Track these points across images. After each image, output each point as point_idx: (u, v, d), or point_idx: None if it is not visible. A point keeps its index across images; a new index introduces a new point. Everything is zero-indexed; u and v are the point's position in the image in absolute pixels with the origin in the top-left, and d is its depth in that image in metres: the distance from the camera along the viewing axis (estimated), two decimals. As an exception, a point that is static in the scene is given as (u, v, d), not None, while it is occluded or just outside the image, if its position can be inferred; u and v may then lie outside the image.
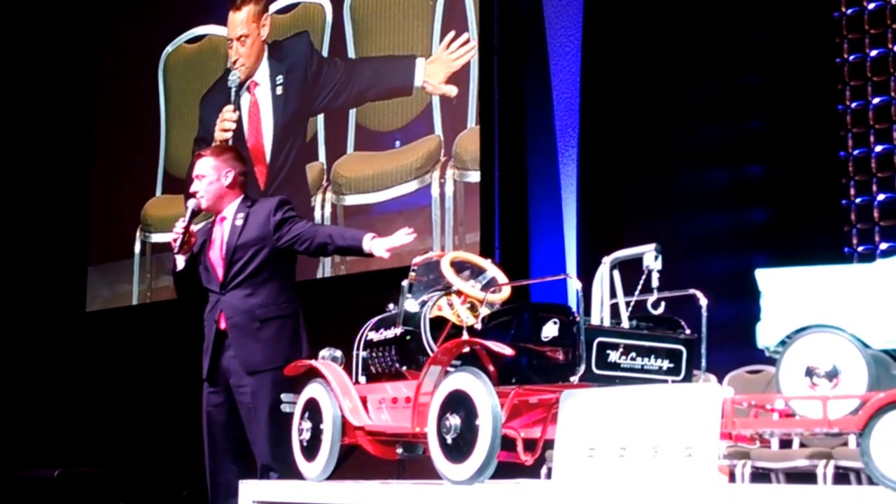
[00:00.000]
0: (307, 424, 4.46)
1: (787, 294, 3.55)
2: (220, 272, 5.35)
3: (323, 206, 9.50)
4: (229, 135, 10.12)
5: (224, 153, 5.60)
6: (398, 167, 9.07)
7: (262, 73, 10.06)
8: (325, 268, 9.59)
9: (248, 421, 5.15)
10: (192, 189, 5.48)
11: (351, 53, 9.60)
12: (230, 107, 10.25)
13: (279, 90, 10.00)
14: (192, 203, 5.39)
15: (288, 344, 5.22)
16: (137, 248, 11.14)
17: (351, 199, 9.37)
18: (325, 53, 9.75)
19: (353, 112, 9.44)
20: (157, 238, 10.96)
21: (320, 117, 9.71)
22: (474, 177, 8.47)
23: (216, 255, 5.40)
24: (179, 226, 5.31)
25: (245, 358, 5.18)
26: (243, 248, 5.32)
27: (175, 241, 5.31)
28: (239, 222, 5.41)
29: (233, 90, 10.26)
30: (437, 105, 8.91)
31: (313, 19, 9.97)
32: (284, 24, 10.19)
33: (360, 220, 9.08)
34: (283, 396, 4.63)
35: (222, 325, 5.27)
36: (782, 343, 3.52)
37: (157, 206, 11.07)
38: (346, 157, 9.45)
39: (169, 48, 11.13)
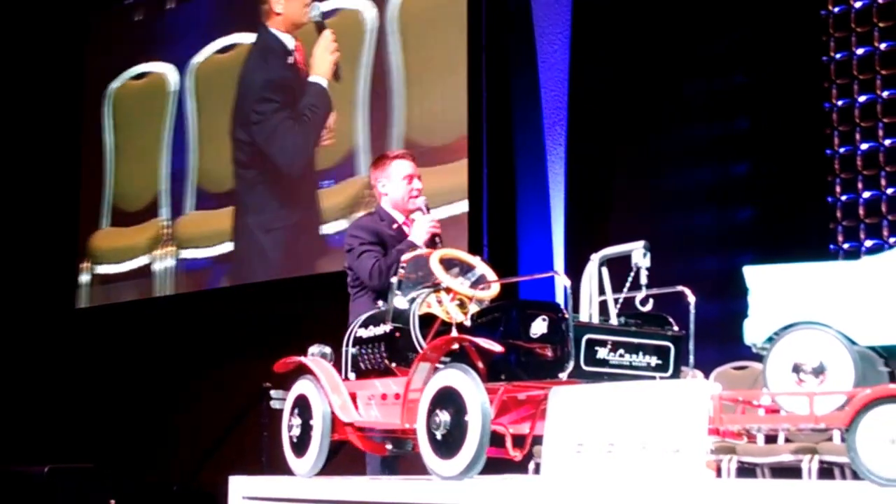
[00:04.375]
0: (297, 421, 4.47)
1: (774, 291, 3.57)
2: None
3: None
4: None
5: None
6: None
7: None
8: (314, 265, 9.64)
9: None
10: (417, 187, 5.47)
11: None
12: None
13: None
14: (424, 200, 5.44)
15: None
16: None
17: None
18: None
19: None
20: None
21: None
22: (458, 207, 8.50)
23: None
24: (433, 219, 5.36)
25: None
26: None
27: (433, 233, 5.32)
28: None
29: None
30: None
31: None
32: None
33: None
34: (273, 393, 4.64)
35: None
36: (769, 340, 3.54)
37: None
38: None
39: (196, 58, 10.99)
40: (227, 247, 10.34)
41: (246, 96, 10.35)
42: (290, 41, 10.07)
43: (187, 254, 10.60)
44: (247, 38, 10.48)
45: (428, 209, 5.41)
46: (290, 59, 10.03)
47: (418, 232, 5.29)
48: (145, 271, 10.88)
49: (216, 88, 10.62)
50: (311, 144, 9.80)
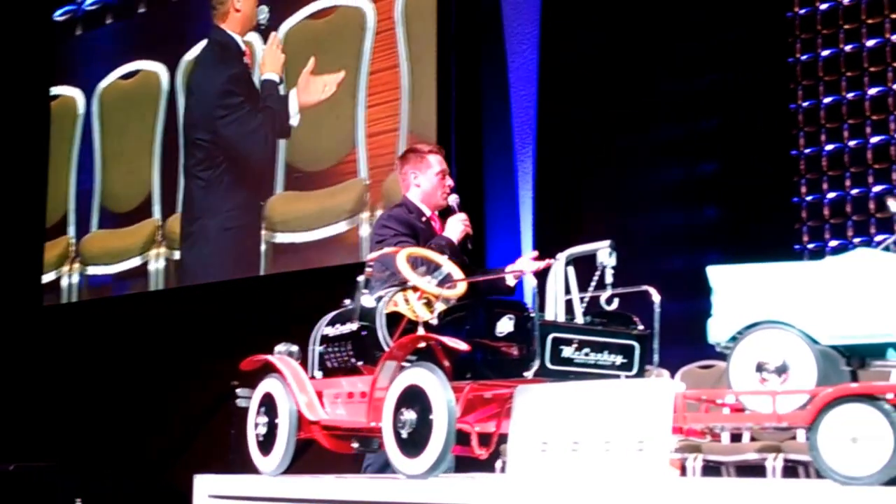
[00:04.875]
0: (263, 419, 4.46)
1: (737, 290, 3.60)
2: None
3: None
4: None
5: None
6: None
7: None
8: (281, 264, 9.64)
9: None
10: (449, 183, 5.47)
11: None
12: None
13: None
14: (456, 198, 5.42)
15: None
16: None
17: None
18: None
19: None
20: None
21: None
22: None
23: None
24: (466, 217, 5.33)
25: None
26: None
27: (466, 233, 5.31)
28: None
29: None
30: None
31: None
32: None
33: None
34: (239, 391, 4.63)
35: None
36: (733, 339, 3.56)
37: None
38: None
39: (103, 83, 11.43)
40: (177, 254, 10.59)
41: (205, 96, 10.40)
42: (241, 41, 10.29)
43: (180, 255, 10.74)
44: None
45: (460, 208, 5.39)
46: (245, 59, 10.24)
47: (453, 229, 5.28)
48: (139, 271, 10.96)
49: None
50: (274, 138, 9.85)
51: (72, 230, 11.48)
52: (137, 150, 11.12)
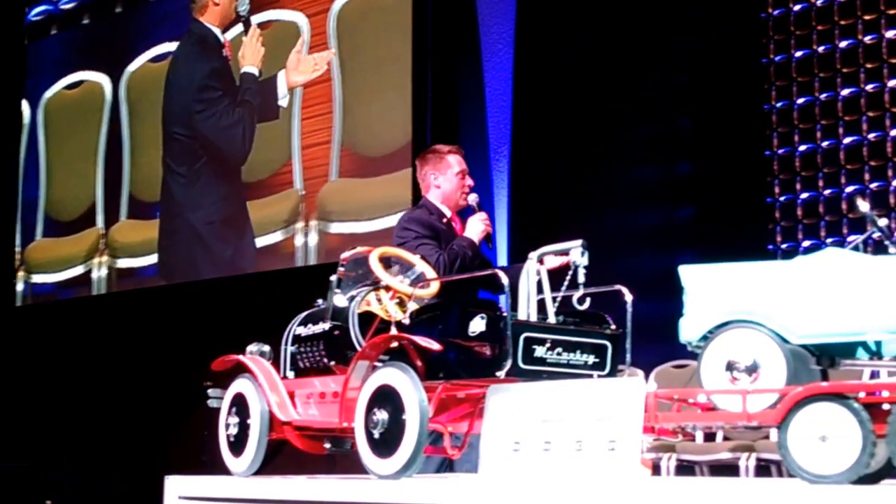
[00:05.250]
0: (234, 420, 4.44)
1: (709, 290, 3.60)
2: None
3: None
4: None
5: None
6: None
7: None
8: (255, 262, 9.61)
9: None
10: (469, 183, 5.42)
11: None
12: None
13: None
14: (475, 198, 5.38)
15: None
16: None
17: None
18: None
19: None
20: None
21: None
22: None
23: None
24: (486, 217, 5.28)
25: None
26: None
27: (486, 232, 5.26)
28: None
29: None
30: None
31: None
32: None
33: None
34: (210, 392, 4.60)
35: None
36: (704, 338, 3.57)
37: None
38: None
39: (48, 93, 11.50)
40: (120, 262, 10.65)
41: (184, 90, 10.36)
42: (220, 34, 10.27)
43: (123, 263, 10.78)
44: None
45: (479, 207, 5.35)
46: (224, 52, 10.21)
47: (474, 229, 5.26)
48: (83, 279, 10.96)
49: (149, 96, 10.77)
50: (252, 133, 9.86)
51: (18, 238, 11.61)
52: (81, 160, 11.17)
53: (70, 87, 11.41)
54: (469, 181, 5.44)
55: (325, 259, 8.90)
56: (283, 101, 9.68)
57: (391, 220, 8.28)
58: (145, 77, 10.85)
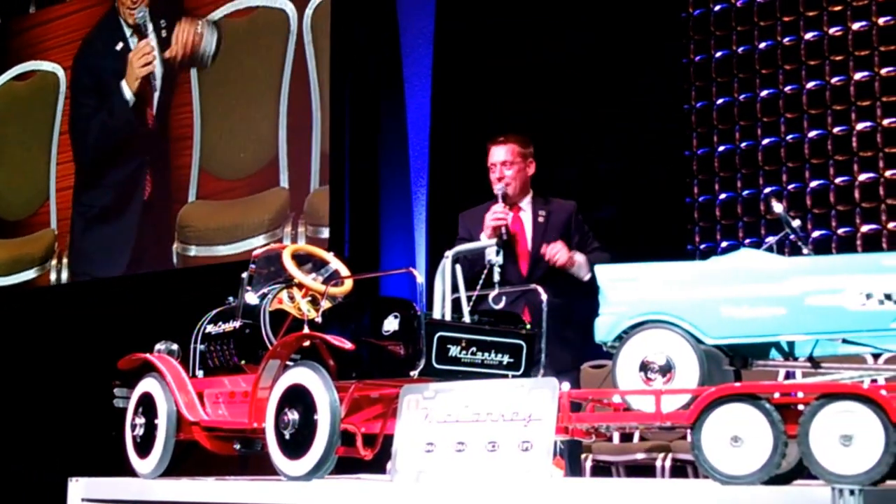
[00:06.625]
0: (141, 420, 4.34)
1: (624, 290, 3.58)
2: (524, 266, 5.17)
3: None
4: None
5: (529, 143, 5.41)
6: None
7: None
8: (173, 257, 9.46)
9: None
10: (498, 175, 5.26)
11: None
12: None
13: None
14: (501, 188, 5.20)
15: (583, 346, 4.92)
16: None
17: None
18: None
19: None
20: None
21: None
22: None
23: (521, 249, 5.21)
24: (500, 209, 5.10)
25: (557, 357, 4.59)
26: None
27: (499, 227, 5.07)
28: (541, 219, 5.27)
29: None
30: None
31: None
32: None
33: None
34: (117, 391, 4.50)
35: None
36: (619, 338, 3.55)
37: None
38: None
39: None
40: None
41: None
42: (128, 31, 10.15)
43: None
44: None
45: (504, 197, 5.20)
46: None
47: (485, 223, 5.16)
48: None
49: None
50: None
51: None
52: (35, 157, 10.75)
53: (19, 77, 10.97)
54: (499, 172, 5.29)
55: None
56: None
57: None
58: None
